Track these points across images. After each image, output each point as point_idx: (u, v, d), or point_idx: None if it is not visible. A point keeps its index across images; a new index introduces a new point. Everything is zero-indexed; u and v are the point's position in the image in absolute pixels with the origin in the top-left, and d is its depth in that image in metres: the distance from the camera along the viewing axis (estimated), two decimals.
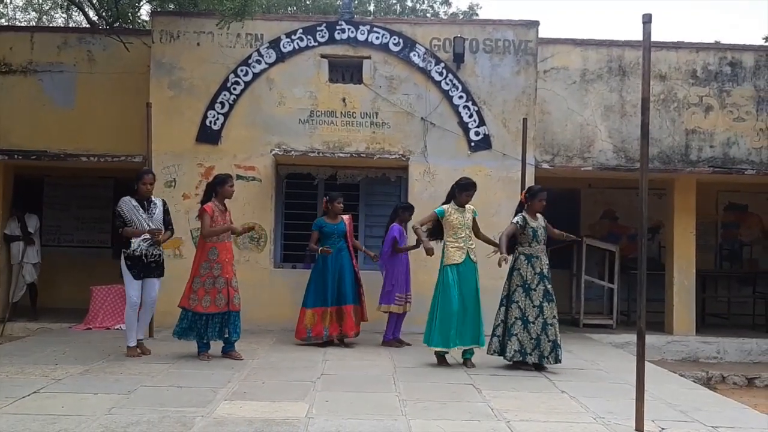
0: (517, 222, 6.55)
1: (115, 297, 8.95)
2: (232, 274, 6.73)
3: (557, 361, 6.46)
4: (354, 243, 7.89)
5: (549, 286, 6.49)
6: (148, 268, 6.74)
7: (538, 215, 6.64)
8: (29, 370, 6.03)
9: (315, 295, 7.58)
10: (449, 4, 22.53)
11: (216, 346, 6.82)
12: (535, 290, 6.45)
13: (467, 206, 6.76)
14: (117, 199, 7.01)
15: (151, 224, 6.71)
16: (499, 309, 6.63)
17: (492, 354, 6.59)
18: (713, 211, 11.68)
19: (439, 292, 6.62)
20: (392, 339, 7.87)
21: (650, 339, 8.02)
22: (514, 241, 6.55)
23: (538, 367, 6.50)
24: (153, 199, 6.88)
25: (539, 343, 6.42)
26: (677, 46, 10.14)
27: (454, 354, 6.81)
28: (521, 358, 6.47)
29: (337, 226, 7.66)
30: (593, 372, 6.70)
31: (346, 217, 7.81)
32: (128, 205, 6.71)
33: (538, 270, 6.48)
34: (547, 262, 6.58)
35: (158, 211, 6.84)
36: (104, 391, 5.28)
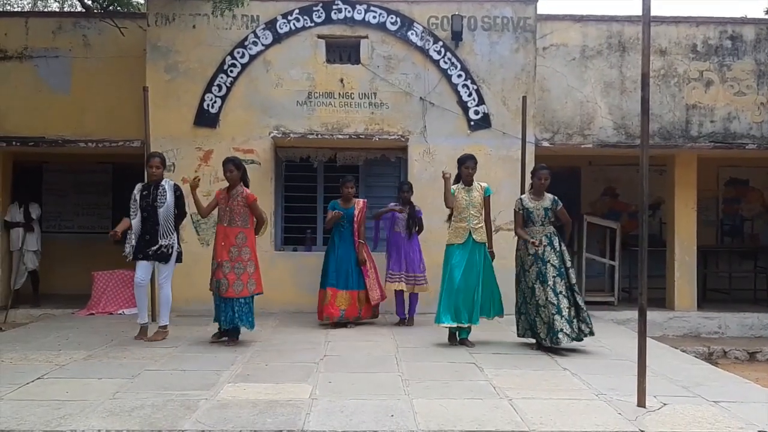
0: (517, 208, 6.60)
1: (117, 282, 8.97)
2: (225, 257, 6.50)
3: (553, 343, 6.26)
4: (360, 230, 7.75)
5: (543, 267, 6.34)
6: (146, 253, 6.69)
7: (546, 195, 6.58)
8: (33, 356, 6.05)
9: (329, 276, 7.59)
10: None
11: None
12: (528, 271, 6.47)
13: (477, 184, 6.71)
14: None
15: (138, 213, 6.63)
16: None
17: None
18: (714, 186, 11.65)
19: (444, 271, 6.64)
20: (400, 318, 7.91)
21: (652, 315, 8.05)
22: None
23: (549, 349, 6.41)
24: (163, 183, 6.73)
25: (535, 324, 6.43)
26: (677, 20, 10.05)
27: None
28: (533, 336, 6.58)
29: (348, 211, 7.66)
30: (595, 349, 6.70)
31: (360, 202, 7.79)
32: (133, 193, 6.71)
33: (531, 251, 6.42)
34: (547, 243, 6.41)
35: (168, 195, 6.68)
36: (108, 376, 5.30)
